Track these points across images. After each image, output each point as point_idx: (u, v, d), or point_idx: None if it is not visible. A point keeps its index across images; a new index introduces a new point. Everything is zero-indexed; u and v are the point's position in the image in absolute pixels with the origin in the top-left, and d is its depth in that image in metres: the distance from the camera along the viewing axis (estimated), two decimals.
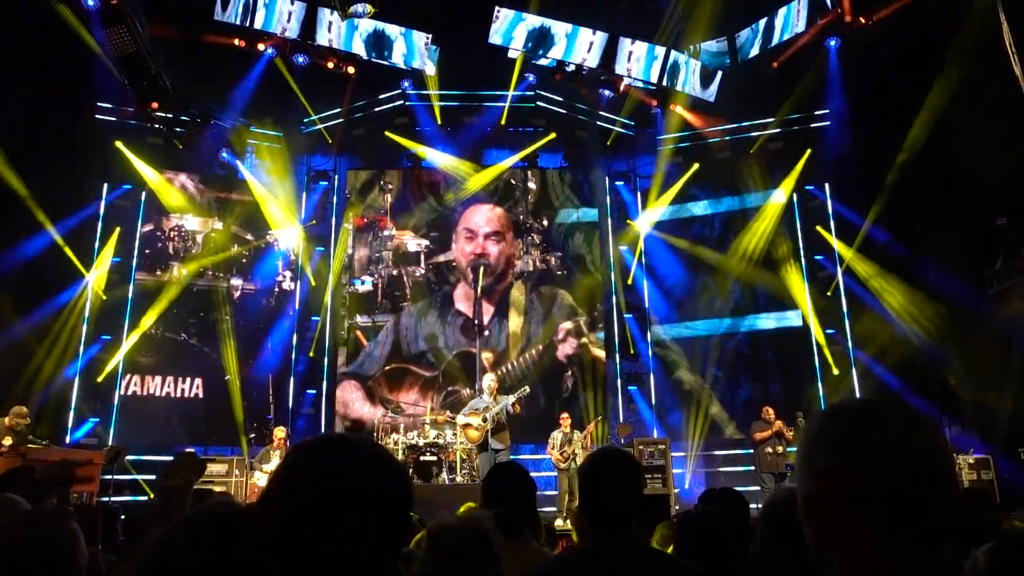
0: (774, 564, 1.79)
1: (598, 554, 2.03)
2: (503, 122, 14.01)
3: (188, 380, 12.84)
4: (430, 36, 12.33)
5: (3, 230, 10.75)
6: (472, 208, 14.47)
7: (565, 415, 10.81)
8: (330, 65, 12.31)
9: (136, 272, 12.97)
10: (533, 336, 13.88)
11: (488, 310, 13.95)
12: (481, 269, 13.99)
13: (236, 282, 13.59)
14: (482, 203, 14.49)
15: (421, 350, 13.74)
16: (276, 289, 13.78)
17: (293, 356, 13.42)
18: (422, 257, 14.30)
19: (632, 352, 13.95)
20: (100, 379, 12.17)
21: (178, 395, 12.75)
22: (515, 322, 13.95)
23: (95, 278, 12.24)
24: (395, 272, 14.16)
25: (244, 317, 13.43)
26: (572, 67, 12.48)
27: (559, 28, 12.17)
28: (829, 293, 13.09)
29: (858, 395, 11.65)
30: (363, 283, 14.11)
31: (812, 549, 1.02)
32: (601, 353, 13.88)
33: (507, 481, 2.79)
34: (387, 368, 13.58)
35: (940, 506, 0.96)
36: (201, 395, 12.83)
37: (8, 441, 8.34)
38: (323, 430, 13.26)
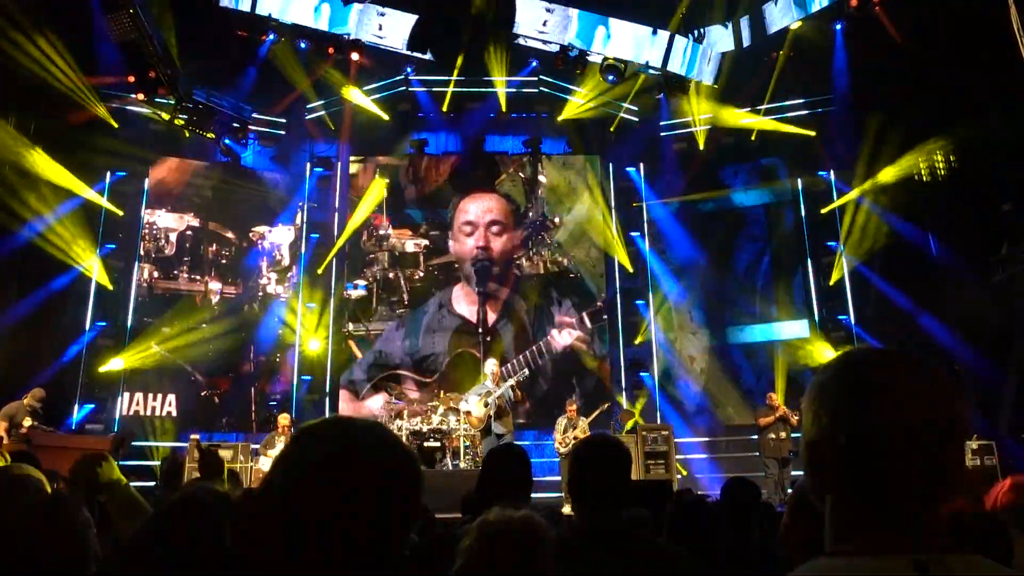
0: (797, 534, 1.82)
1: (588, 537, 2.08)
2: (504, 108, 13.94)
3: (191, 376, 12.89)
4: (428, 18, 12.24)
5: (2, 213, 10.72)
6: (469, 198, 14.14)
7: (572, 402, 10.82)
8: (332, 51, 12.24)
9: (138, 262, 12.99)
10: (537, 331, 13.68)
11: (492, 311, 13.60)
12: (484, 269, 13.60)
13: (214, 286, 13.39)
14: (481, 192, 14.30)
15: (420, 356, 13.39)
16: (260, 293, 13.62)
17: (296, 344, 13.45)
18: (421, 259, 13.98)
19: (637, 338, 13.93)
20: (101, 369, 12.17)
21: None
22: (518, 321, 13.72)
23: (96, 267, 12.23)
24: (391, 275, 13.85)
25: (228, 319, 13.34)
26: (575, 52, 12.39)
27: (559, 10, 12.08)
28: (833, 280, 13.03)
29: None
30: (356, 288, 13.77)
31: (810, 489, 1.03)
32: (606, 339, 13.86)
33: (502, 462, 2.82)
34: (382, 376, 13.35)
35: (933, 477, 0.95)
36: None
37: (28, 422, 8.46)
38: (325, 413, 13.28)
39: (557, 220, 14.28)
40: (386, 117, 13.81)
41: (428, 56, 12.65)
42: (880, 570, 0.92)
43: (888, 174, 11.91)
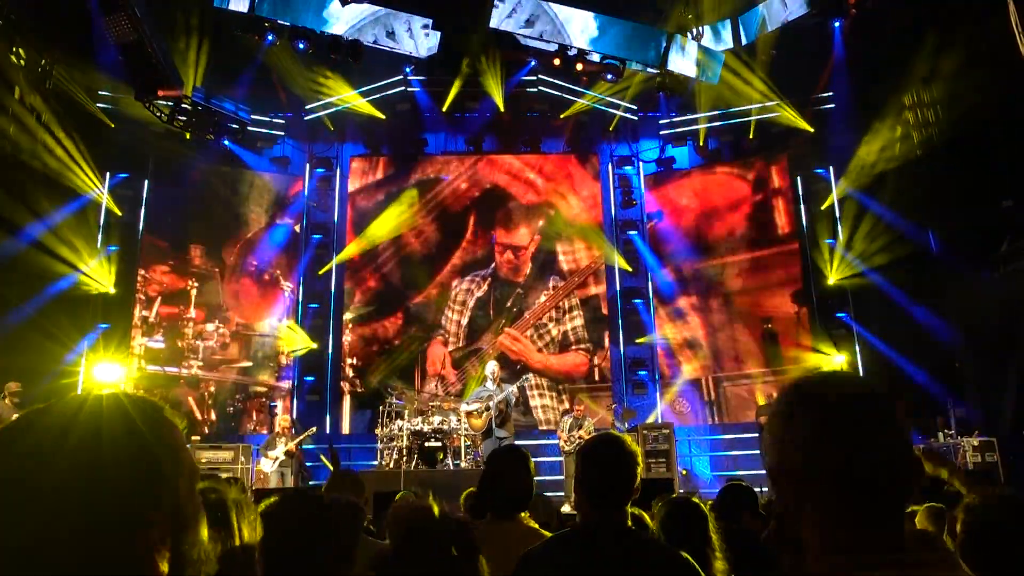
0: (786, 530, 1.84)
1: (586, 535, 2.10)
2: (503, 108, 13.93)
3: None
4: (431, 21, 12.23)
5: (3, 215, 10.70)
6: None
7: (579, 402, 10.86)
8: (331, 51, 12.23)
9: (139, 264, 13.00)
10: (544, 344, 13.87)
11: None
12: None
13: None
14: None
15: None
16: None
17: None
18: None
19: (637, 336, 13.93)
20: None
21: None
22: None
23: (99, 270, 12.23)
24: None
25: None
26: (574, 51, 12.38)
27: (560, 11, 12.07)
28: (833, 279, 13.00)
29: (861, 373, 11.61)
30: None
31: (778, 506, 1.06)
32: (607, 338, 13.88)
33: (504, 464, 2.83)
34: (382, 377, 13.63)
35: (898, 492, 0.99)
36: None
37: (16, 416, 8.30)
38: (327, 414, 13.31)
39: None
40: (384, 117, 13.82)
41: (428, 55, 12.63)
42: None
43: (877, 153, 11.89)
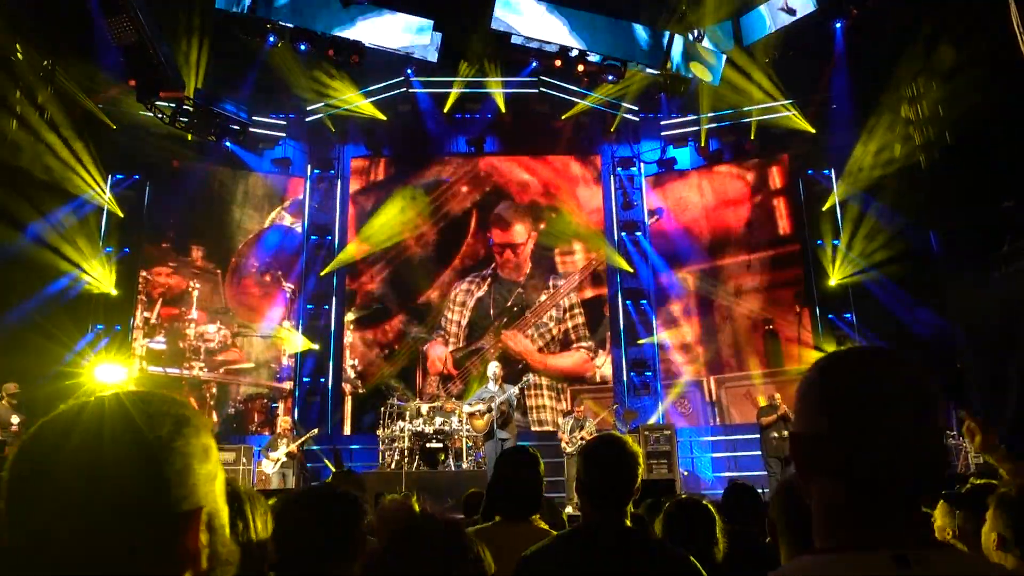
0: (782, 527, 1.85)
1: (590, 535, 2.11)
2: (504, 109, 13.92)
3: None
4: (431, 22, 12.24)
5: (5, 216, 10.71)
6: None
7: (580, 403, 10.88)
8: (332, 52, 12.23)
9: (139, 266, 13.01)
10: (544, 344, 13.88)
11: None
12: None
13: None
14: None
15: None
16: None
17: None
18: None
19: (637, 338, 13.93)
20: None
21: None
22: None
23: (100, 271, 12.24)
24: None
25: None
26: (575, 52, 12.38)
27: (562, 11, 12.07)
28: (834, 280, 13.00)
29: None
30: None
31: (798, 475, 1.05)
32: (608, 339, 13.88)
33: (514, 466, 2.84)
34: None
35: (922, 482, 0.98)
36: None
37: (17, 419, 8.31)
38: (328, 415, 13.32)
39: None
40: (385, 118, 13.83)
41: (429, 57, 12.63)
42: (862, 565, 0.93)
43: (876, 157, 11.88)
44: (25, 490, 0.75)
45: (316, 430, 11.18)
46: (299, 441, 10.57)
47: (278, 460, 10.40)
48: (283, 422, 10.88)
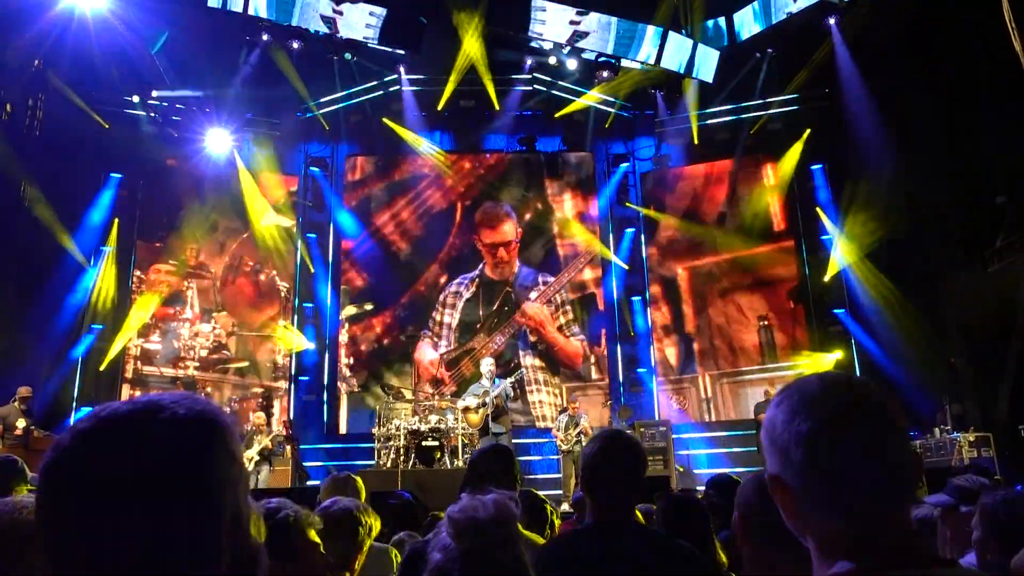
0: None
1: (596, 532, 2.10)
2: (498, 106, 13.88)
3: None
4: (424, 20, 12.19)
5: (4, 217, 10.69)
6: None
7: (575, 400, 10.88)
8: (326, 50, 12.20)
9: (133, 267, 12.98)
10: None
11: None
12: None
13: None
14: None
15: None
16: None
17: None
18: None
19: (632, 334, 13.95)
20: (102, 367, 12.16)
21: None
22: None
23: (99, 271, 12.21)
24: None
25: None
26: (569, 49, 12.36)
27: (555, 8, 12.03)
28: (828, 276, 13.01)
29: (858, 372, 11.63)
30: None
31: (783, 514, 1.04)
32: (604, 336, 13.89)
33: (486, 459, 2.83)
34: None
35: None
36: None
37: (22, 423, 8.35)
38: (324, 414, 13.32)
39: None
40: (379, 116, 13.79)
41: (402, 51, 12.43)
42: None
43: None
44: (67, 489, 0.77)
45: (282, 432, 10.97)
46: (271, 436, 10.22)
47: (252, 459, 9.70)
48: (256, 418, 10.60)
